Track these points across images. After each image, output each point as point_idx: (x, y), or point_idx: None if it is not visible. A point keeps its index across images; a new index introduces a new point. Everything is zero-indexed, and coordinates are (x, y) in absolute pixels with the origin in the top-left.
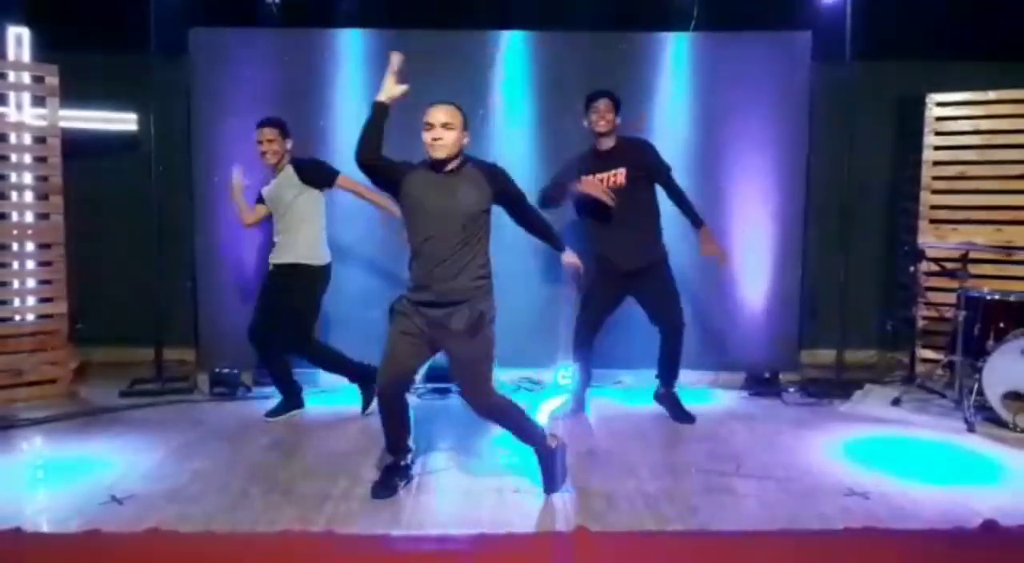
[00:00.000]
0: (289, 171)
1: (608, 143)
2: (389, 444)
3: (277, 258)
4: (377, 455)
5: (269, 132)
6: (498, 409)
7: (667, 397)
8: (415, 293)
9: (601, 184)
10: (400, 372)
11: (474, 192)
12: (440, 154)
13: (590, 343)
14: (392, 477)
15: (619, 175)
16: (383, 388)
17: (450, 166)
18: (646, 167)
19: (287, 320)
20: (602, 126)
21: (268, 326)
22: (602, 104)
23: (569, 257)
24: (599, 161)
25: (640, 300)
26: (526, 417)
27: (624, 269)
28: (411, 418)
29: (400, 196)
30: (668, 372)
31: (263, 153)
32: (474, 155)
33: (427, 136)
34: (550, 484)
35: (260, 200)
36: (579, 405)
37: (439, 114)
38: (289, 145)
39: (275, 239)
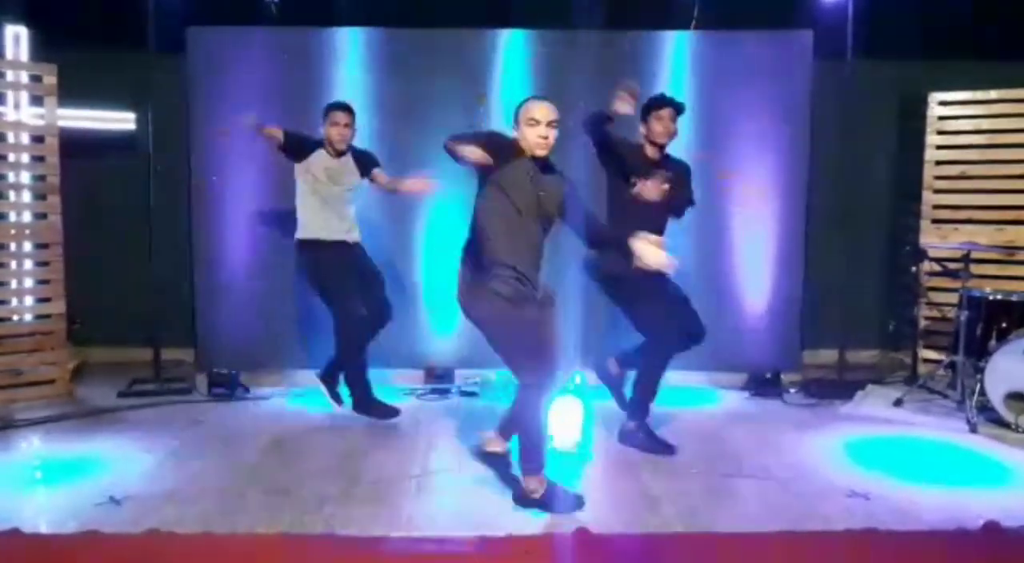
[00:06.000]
0: (349, 160)
1: (656, 154)
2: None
3: (355, 235)
4: (377, 456)
5: (346, 116)
6: None
7: None
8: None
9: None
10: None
11: None
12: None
13: None
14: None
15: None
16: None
17: None
18: (683, 191)
19: (382, 289)
20: (665, 139)
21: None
22: (666, 112)
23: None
24: (648, 168)
25: None
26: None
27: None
28: None
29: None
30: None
31: (339, 137)
32: None
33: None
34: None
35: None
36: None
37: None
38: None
39: (338, 218)
